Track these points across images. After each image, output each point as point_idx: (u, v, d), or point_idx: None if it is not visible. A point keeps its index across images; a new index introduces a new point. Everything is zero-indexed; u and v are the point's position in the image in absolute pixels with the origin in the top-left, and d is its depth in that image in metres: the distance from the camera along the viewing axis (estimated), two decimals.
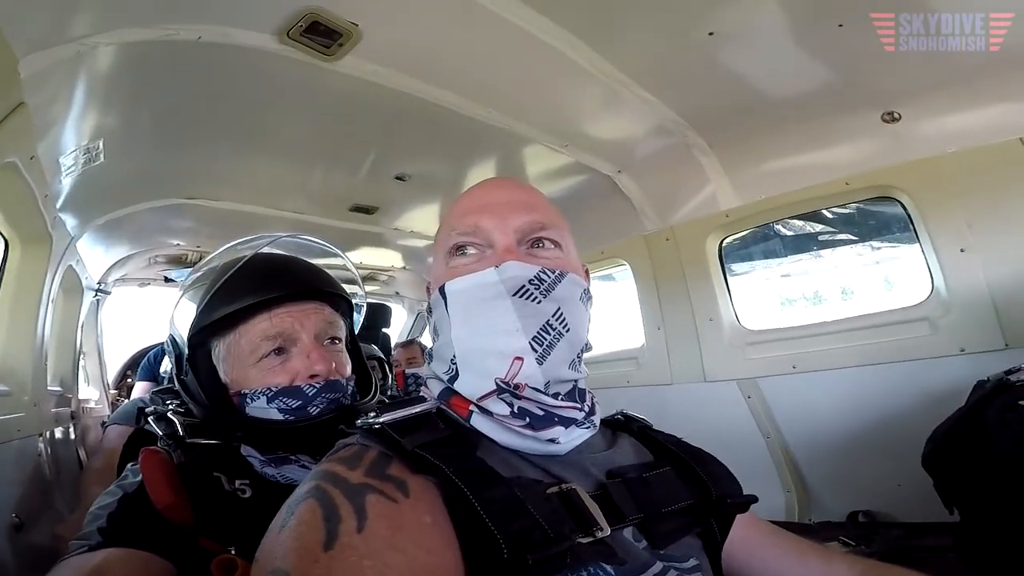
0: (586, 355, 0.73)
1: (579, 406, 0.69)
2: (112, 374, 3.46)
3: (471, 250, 0.71)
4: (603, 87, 1.76)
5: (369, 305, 3.84)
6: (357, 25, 1.38)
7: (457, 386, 0.68)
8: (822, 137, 2.02)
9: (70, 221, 1.97)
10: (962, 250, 1.82)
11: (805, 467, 2.24)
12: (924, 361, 1.92)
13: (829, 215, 2.43)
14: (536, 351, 0.65)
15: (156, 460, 0.86)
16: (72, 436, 2.44)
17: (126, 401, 2.95)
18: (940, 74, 1.70)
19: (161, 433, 0.95)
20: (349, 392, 0.97)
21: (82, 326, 2.75)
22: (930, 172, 1.87)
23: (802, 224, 2.69)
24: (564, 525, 0.55)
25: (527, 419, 0.64)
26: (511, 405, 0.65)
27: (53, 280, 1.96)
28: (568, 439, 0.67)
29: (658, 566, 0.61)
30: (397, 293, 4.03)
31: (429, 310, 0.75)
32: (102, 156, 1.69)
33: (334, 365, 0.95)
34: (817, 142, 2.05)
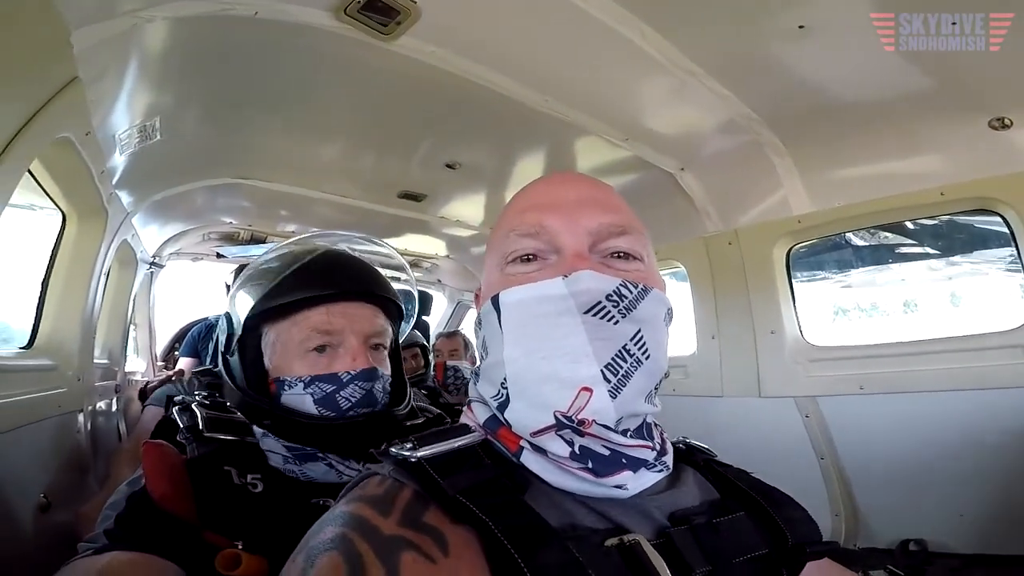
0: None
1: (650, 444, 0.59)
2: (161, 346, 3.56)
3: (532, 255, 0.60)
4: (672, 78, 1.63)
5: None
6: (415, 2, 1.30)
7: (507, 415, 0.58)
8: (916, 143, 1.84)
9: (126, 197, 1.99)
10: None
11: (859, 492, 2.11)
12: (1013, 390, 1.75)
13: (911, 226, 2.24)
14: (609, 382, 0.54)
15: (157, 453, 0.87)
16: (114, 409, 2.49)
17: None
18: None
19: (182, 425, 0.97)
20: (382, 388, 0.96)
21: (135, 298, 2.81)
22: None
23: (872, 234, 2.49)
24: None
25: (589, 463, 0.54)
26: (571, 444, 0.55)
27: (107, 255, 1.99)
28: (636, 484, 0.57)
29: None
30: (439, 281, 4.01)
31: (479, 322, 0.65)
32: (158, 134, 1.68)
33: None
34: (909, 148, 1.87)
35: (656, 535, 0.54)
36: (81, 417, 1.92)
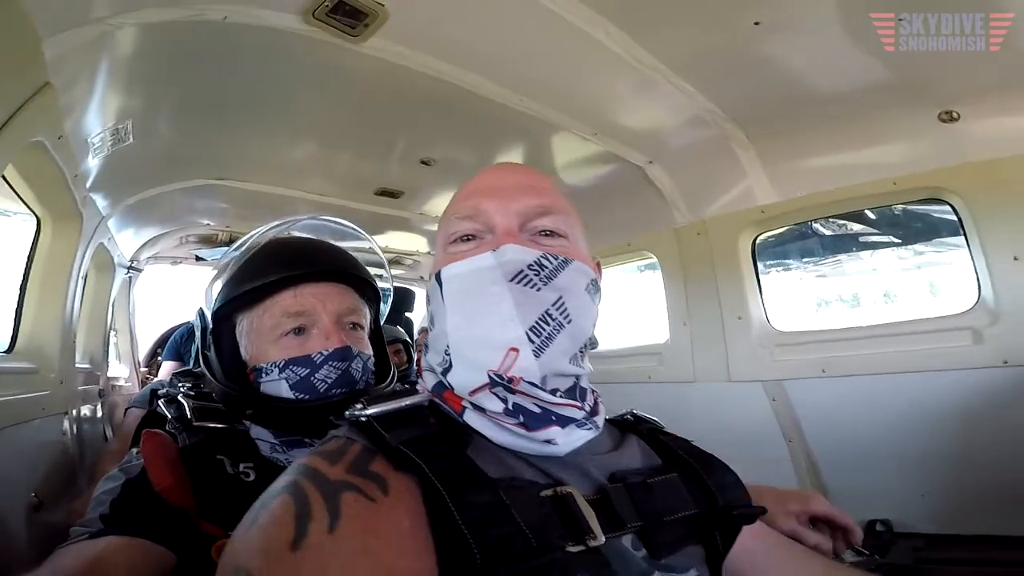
0: (606, 349, 0.69)
1: (579, 404, 0.64)
2: (143, 352, 3.54)
3: (471, 235, 0.68)
4: (638, 76, 1.68)
5: (394, 289, 3.87)
6: (383, 5, 1.33)
7: (450, 378, 0.65)
8: (871, 135, 1.92)
9: (101, 200, 1.99)
10: (1016, 258, 1.72)
11: (826, 473, 2.17)
12: (964, 372, 1.83)
13: (872, 216, 2.32)
14: (533, 342, 0.61)
15: (156, 442, 0.87)
16: (100, 414, 2.48)
17: (153, 380, 3.00)
18: (1005, 74, 1.59)
19: (170, 416, 0.97)
20: (361, 367, 0.95)
21: (114, 303, 2.80)
22: (987, 175, 1.76)
23: (841, 224, 2.58)
24: (552, 532, 0.51)
25: (521, 417, 0.60)
26: (505, 401, 0.61)
27: (83, 258, 1.99)
28: (567, 440, 0.62)
29: None
30: (422, 278, 4.03)
31: (428, 299, 0.72)
32: (131, 137, 1.70)
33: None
34: (865, 139, 1.94)
35: (594, 492, 0.60)
36: (66, 421, 1.92)
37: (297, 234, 1.12)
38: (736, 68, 1.69)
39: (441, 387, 0.67)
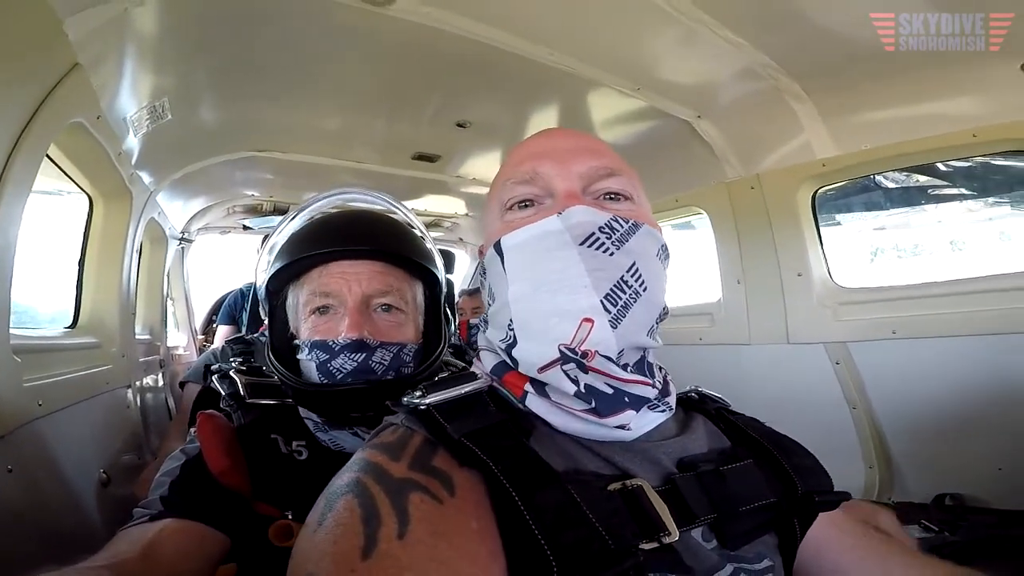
0: None
1: (650, 381, 0.59)
2: (200, 319, 3.68)
3: (529, 201, 0.63)
4: (680, 27, 1.53)
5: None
6: None
7: (515, 353, 0.60)
8: (946, 86, 1.71)
9: (147, 177, 2.03)
10: None
11: (893, 442, 2.03)
12: None
13: (943, 168, 2.11)
14: (609, 312, 0.56)
15: (212, 425, 0.88)
16: (161, 383, 2.60)
17: (210, 347, 3.11)
18: None
19: (224, 393, 0.96)
20: (388, 358, 0.89)
21: (168, 273, 2.90)
22: None
23: (906, 176, 2.36)
24: (626, 530, 0.48)
25: (592, 402, 0.56)
26: (576, 383, 0.56)
27: (136, 233, 2.04)
28: (639, 424, 0.58)
29: (728, 568, 0.54)
30: (461, 239, 4.03)
31: (483, 272, 0.68)
32: (168, 114, 1.69)
33: (367, 332, 0.88)
34: (939, 91, 1.73)
35: (663, 481, 0.56)
36: (129, 393, 1.99)
37: (359, 205, 1.09)
38: (789, 18, 1.52)
39: (500, 369, 0.63)
